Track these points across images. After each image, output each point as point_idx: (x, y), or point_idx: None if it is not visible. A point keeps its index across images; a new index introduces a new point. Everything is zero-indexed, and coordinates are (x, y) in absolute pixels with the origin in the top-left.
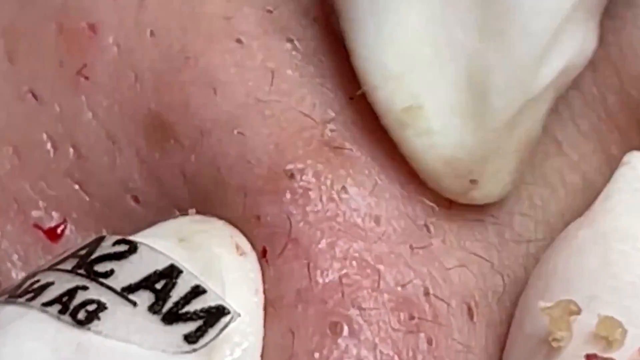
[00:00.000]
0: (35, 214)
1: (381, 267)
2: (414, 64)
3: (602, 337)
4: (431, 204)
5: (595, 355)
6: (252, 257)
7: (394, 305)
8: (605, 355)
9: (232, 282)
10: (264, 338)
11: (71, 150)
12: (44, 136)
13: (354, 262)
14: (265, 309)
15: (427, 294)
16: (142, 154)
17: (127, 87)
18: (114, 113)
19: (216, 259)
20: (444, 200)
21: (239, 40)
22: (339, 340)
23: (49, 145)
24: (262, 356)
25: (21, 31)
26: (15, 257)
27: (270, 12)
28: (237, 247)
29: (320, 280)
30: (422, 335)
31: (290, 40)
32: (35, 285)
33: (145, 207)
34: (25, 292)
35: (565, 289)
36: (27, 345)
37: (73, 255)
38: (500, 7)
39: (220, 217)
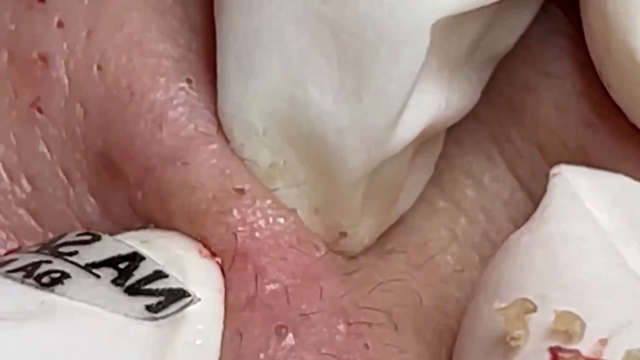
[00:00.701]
0: None
1: (322, 282)
2: (276, 121)
3: (561, 332)
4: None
5: (559, 348)
6: (214, 260)
7: (335, 312)
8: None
9: (195, 278)
10: None
11: (25, 182)
12: (0, 166)
13: (298, 275)
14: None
15: (359, 307)
16: (94, 189)
17: (76, 123)
18: (67, 148)
19: (179, 258)
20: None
21: (188, 80)
22: (283, 343)
23: (4, 175)
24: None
25: None
26: None
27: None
28: (200, 251)
29: (267, 288)
30: (359, 339)
31: None
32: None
33: None
34: None
35: (514, 291)
36: None
37: (37, 244)
38: (355, 71)
39: None
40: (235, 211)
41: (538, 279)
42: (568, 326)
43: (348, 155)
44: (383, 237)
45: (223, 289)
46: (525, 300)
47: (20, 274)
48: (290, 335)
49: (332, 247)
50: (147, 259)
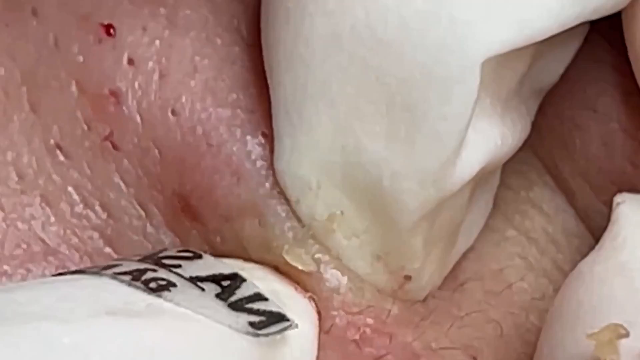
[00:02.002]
0: (62, 257)
1: (393, 330)
2: (329, 173)
3: None
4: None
5: None
6: (308, 297)
7: (406, 356)
8: None
9: (293, 309)
10: None
11: (100, 208)
12: (73, 191)
13: (370, 326)
14: None
15: (433, 349)
16: (171, 226)
17: (151, 162)
18: (143, 183)
19: (276, 290)
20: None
21: (264, 134)
22: None
23: (78, 200)
24: None
25: (41, 83)
26: None
27: None
28: (295, 288)
29: (341, 334)
30: None
31: None
32: (103, 265)
33: None
34: (93, 267)
35: (598, 318)
36: (102, 295)
37: (136, 255)
38: (405, 114)
39: None
40: (318, 270)
41: (621, 306)
42: None
43: (405, 198)
44: (455, 269)
45: (317, 324)
46: (617, 325)
47: (127, 277)
48: None
49: (398, 294)
50: (247, 281)
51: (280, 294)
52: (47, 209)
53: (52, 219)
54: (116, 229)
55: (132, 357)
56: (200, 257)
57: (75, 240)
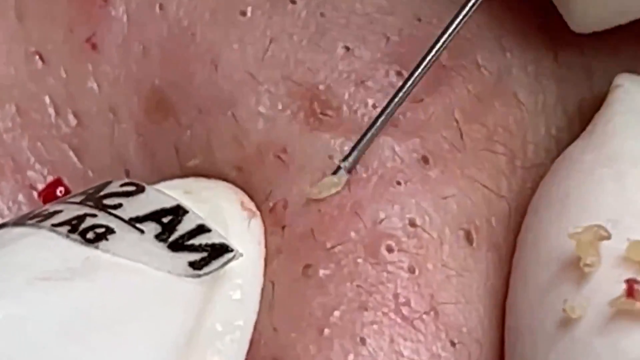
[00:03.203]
0: (30, 174)
1: (357, 208)
2: None
3: (634, 262)
4: (439, 136)
5: (635, 280)
6: (256, 213)
7: (370, 241)
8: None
9: (236, 231)
10: None
11: (72, 117)
12: (47, 99)
13: (327, 211)
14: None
15: (412, 224)
16: (140, 128)
17: (134, 60)
18: (118, 85)
19: (221, 210)
20: (454, 133)
21: (242, 13)
22: (312, 282)
23: (51, 109)
24: None
25: None
26: (6, 213)
27: None
28: (242, 203)
29: (291, 232)
30: (403, 265)
31: (293, 1)
32: (44, 212)
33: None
34: (33, 217)
35: (583, 214)
36: (39, 255)
37: (81, 193)
38: None
39: None
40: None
41: (607, 203)
42: None
43: None
44: None
45: (263, 241)
46: (599, 227)
47: (65, 228)
48: (320, 273)
49: None
50: (190, 213)
51: (225, 213)
52: (19, 119)
53: (24, 131)
54: (84, 138)
55: (68, 322)
56: (142, 190)
57: (43, 151)
